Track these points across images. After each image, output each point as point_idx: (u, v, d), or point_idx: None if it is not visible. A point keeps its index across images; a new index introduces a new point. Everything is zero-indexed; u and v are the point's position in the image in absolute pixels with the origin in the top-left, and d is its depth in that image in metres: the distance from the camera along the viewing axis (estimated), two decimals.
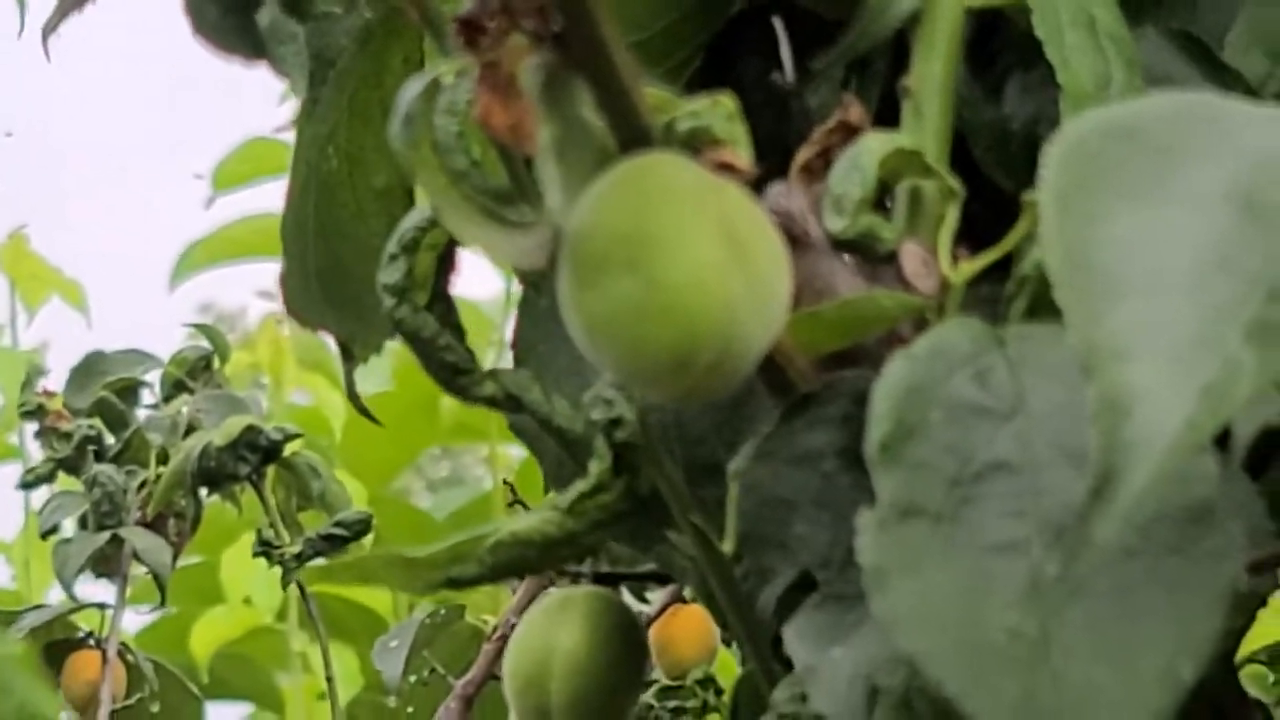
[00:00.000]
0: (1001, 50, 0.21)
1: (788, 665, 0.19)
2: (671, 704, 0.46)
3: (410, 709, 0.54)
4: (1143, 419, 0.14)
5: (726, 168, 0.18)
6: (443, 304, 0.22)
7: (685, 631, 0.51)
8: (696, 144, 0.18)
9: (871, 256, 0.18)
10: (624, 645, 0.24)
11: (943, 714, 0.19)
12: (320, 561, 0.59)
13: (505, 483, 0.59)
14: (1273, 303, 0.16)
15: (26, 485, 0.68)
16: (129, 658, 0.65)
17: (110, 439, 0.66)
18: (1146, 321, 0.15)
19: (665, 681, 0.49)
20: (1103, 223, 0.16)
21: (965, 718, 0.17)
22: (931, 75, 0.19)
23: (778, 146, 0.19)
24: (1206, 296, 0.16)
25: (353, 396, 0.27)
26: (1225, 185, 0.16)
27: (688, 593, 0.46)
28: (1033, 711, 0.17)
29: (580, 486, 0.20)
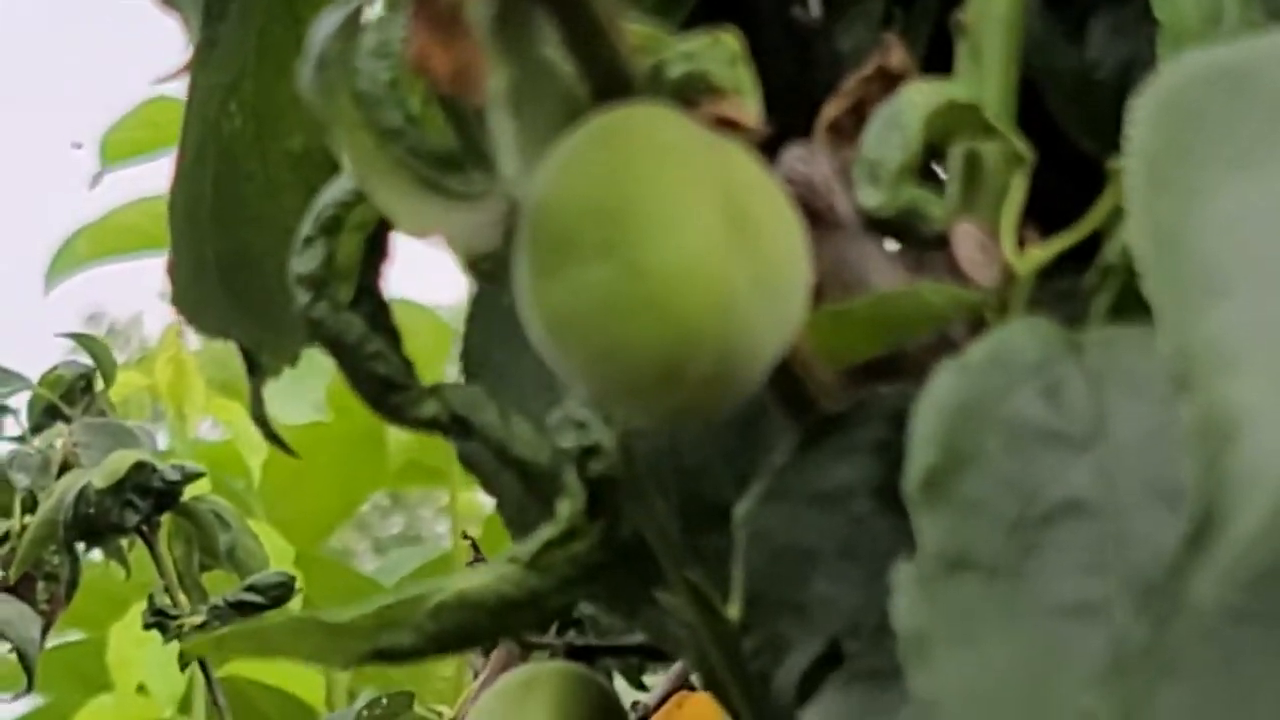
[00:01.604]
0: None
1: None
2: None
3: None
4: (1254, 446, 0.14)
5: (729, 124, 0.19)
6: (372, 300, 0.23)
7: None
8: (692, 94, 0.19)
9: (916, 239, 0.20)
10: None
11: None
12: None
13: (465, 536, 0.61)
14: None
15: None
16: None
17: None
18: (1261, 322, 0.16)
19: None
20: (1206, 198, 0.17)
21: None
22: (994, 8, 0.20)
23: (798, 99, 0.21)
24: None
25: (260, 421, 0.27)
26: None
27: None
28: None
29: (546, 533, 0.21)
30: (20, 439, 0.73)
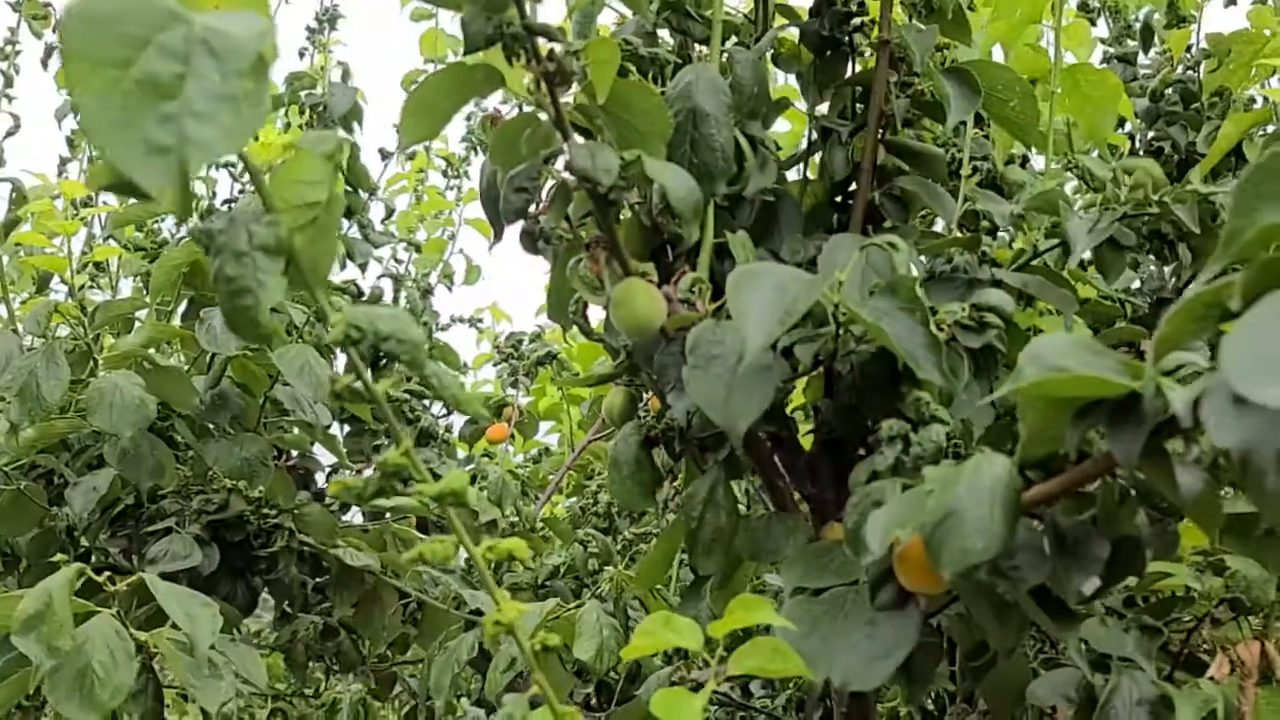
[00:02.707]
0: (726, 254, 0.88)
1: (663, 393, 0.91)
2: None
3: None
4: (752, 336, 0.73)
5: (651, 281, 0.85)
6: (585, 317, 0.94)
7: None
8: (644, 275, 0.87)
9: (689, 304, 0.85)
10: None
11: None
12: None
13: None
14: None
15: None
16: None
17: None
18: (753, 317, 0.78)
19: None
20: (742, 290, 0.82)
21: None
22: (705, 257, 0.83)
23: (666, 278, 0.83)
24: (770, 313, 0.85)
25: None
26: (773, 283, 0.86)
27: None
28: None
29: (616, 360, 0.90)
30: None
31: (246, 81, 0.41)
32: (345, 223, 2.41)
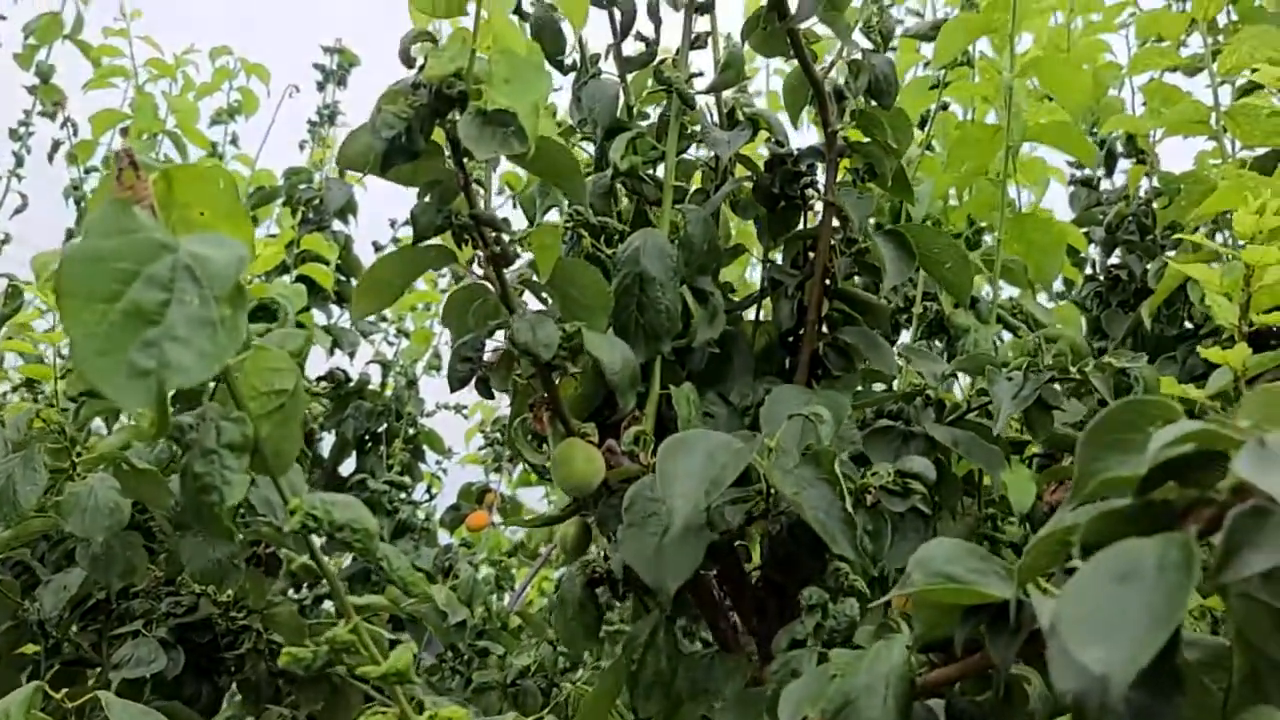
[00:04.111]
0: (671, 408, 0.95)
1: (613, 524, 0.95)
2: None
3: None
4: (678, 507, 0.78)
5: (592, 441, 0.91)
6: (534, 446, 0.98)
7: None
8: (585, 435, 0.92)
9: (633, 458, 0.92)
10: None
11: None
12: None
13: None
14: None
15: None
16: None
17: None
18: (680, 488, 0.85)
19: None
20: (671, 459, 0.86)
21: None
22: (651, 409, 0.88)
23: (608, 435, 0.88)
24: (697, 483, 0.90)
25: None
26: (703, 450, 0.90)
27: None
28: None
29: (566, 503, 0.98)
30: None
31: (224, 308, 0.44)
32: (336, 310, 2.44)
